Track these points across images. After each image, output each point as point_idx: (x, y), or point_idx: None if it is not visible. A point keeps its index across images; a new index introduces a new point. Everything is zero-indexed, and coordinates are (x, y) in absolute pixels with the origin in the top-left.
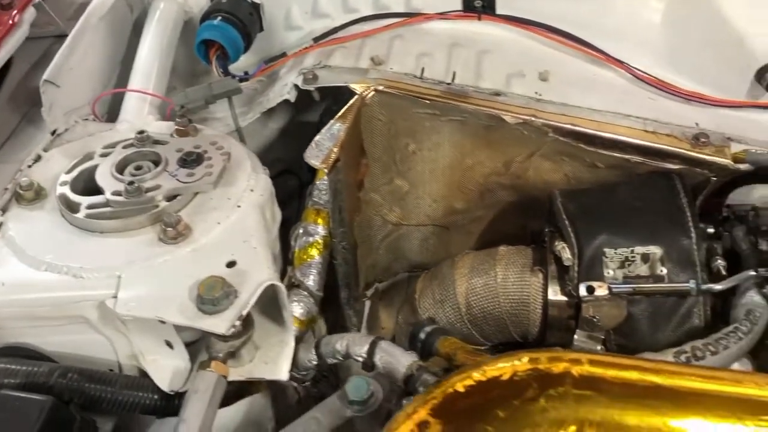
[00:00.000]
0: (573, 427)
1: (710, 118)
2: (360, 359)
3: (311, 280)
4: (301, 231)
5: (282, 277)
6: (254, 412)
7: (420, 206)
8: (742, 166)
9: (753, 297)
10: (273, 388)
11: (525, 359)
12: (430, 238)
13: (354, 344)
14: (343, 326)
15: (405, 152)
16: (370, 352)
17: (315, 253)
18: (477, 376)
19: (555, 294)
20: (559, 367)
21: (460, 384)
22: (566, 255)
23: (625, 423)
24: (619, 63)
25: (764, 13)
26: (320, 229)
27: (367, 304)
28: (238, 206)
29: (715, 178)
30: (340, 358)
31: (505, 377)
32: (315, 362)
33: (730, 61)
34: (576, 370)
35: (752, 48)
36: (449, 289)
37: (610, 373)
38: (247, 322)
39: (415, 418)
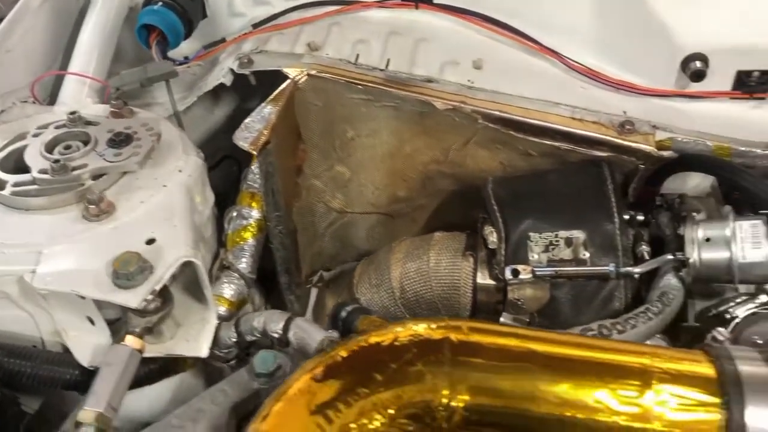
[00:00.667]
0: (446, 391)
1: (639, 107)
2: (276, 335)
3: (243, 263)
4: (234, 214)
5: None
6: (184, 391)
7: (363, 194)
8: (666, 154)
9: (670, 280)
10: (207, 369)
11: (409, 325)
12: (376, 227)
13: (270, 321)
14: None
15: (344, 138)
16: (285, 329)
17: (248, 236)
18: (361, 342)
19: (484, 278)
20: (438, 334)
21: (344, 350)
22: (492, 239)
23: (500, 388)
24: (552, 52)
25: (687, 4)
26: (254, 213)
27: (315, 291)
28: (164, 186)
29: (643, 166)
30: (258, 336)
31: (386, 343)
32: (234, 339)
33: (657, 51)
34: (455, 336)
35: (677, 38)
36: (384, 273)
37: (488, 339)
38: (166, 298)
39: (297, 385)
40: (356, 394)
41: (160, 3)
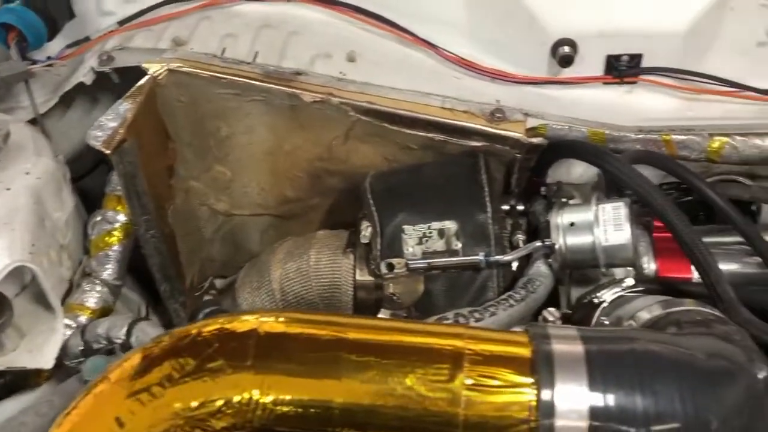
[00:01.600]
0: (250, 386)
1: (513, 95)
2: (119, 341)
3: (109, 269)
4: (99, 218)
5: None
6: None
7: (249, 195)
8: (536, 140)
9: (539, 267)
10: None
11: (217, 319)
12: (269, 229)
13: (114, 327)
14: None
15: (218, 136)
16: (128, 334)
17: (114, 241)
18: (165, 339)
19: (362, 275)
20: (245, 326)
21: (142, 350)
22: (365, 233)
23: (305, 379)
24: (427, 43)
25: None
26: (121, 217)
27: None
28: (8, 189)
29: (519, 155)
30: (104, 342)
31: (188, 338)
32: (81, 348)
33: (527, 38)
34: (262, 328)
35: (544, 25)
36: (265, 275)
37: (297, 329)
38: (2, 307)
39: (95, 390)
40: (151, 394)
41: (18, 1)
